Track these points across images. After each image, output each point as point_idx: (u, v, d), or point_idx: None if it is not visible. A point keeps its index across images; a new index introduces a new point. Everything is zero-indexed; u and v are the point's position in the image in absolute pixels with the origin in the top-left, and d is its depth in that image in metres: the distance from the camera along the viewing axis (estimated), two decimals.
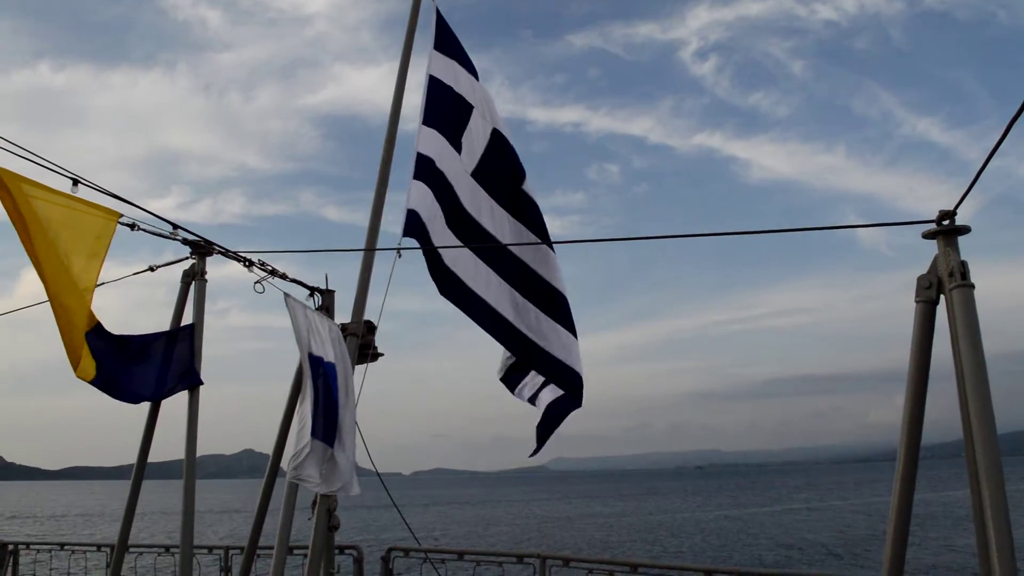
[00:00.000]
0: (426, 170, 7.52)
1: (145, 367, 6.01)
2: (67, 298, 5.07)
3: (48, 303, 5.02)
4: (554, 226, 9.70)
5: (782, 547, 46.90)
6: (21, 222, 4.78)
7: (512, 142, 8.46)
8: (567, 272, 8.54)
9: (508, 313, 7.82)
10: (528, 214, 8.30)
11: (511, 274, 7.95)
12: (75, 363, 5.18)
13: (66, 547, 11.59)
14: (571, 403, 8.04)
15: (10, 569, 11.66)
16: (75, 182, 5.18)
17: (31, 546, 11.98)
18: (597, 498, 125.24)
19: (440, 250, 7.44)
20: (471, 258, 7.70)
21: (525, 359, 8.03)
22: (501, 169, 8.27)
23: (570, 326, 8.13)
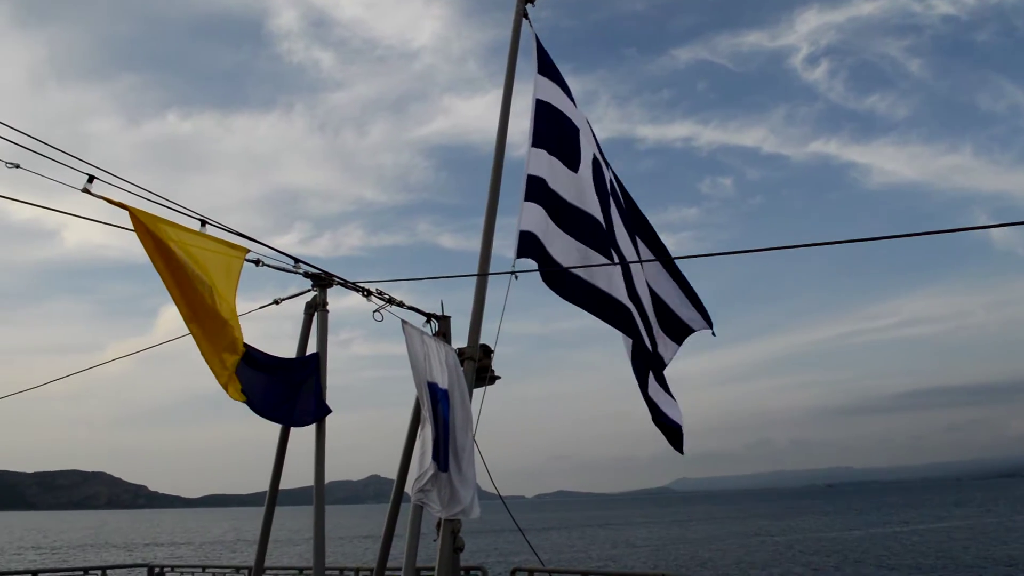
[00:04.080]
0: (538, 191, 7.63)
1: (283, 393, 6.30)
2: (208, 328, 5.41)
3: (185, 337, 5.38)
4: (667, 243, 9.68)
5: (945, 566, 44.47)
6: (160, 260, 5.13)
7: (617, 163, 8.59)
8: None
9: (631, 306, 7.92)
10: (642, 227, 8.42)
11: (631, 284, 8.06)
12: (225, 387, 5.53)
13: (207, 569, 12.18)
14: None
15: None
16: (203, 223, 5.54)
17: (176, 568, 12.63)
18: (723, 519, 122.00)
19: (559, 262, 7.54)
20: (598, 270, 7.78)
21: (646, 352, 8.08)
22: (604, 190, 8.39)
23: (677, 336, 8.24)
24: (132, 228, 5.05)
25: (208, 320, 5.42)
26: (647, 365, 8.15)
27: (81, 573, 12.36)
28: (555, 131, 8.09)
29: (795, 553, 55.83)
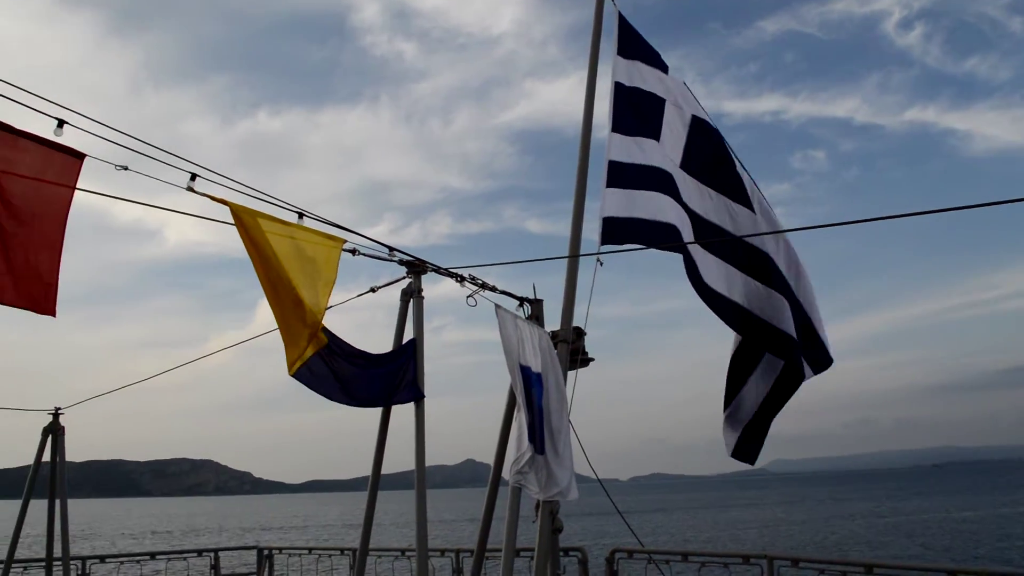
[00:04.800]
0: (620, 176, 7.56)
1: (374, 377, 6.46)
2: (293, 320, 5.61)
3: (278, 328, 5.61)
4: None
5: None
6: (256, 253, 5.32)
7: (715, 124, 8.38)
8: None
9: (737, 296, 7.75)
10: (748, 193, 8.19)
11: (736, 258, 7.88)
12: (292, 368, 5.78)
13: (313, 551, 12.57)
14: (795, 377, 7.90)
15: (267, 570, 12.86)
16: (300, 215, 5.70)
17: (283, 550, 13.08)
18: (826, 500, 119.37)
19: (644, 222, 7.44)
20: (698, 252, 7.64)
21: (758, 341, 7.90)
22: (707, 154, 8.19)
23: (794, 300, 8.00)
24: (233, 223, 5.24)
25: (291, 310, 5.59)
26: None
27: (195, 555, 12.97)
28: (635, 112, 7.98)
29: (902, 535, 54.27)
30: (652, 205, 7.54)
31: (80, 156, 4.50)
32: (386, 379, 6.54)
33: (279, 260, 5.43)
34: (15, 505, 9.65)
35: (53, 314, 4.43)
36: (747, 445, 8.11)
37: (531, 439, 6.19)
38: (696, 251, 7.54)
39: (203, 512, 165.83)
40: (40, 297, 4.40)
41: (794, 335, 7.80)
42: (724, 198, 8.09)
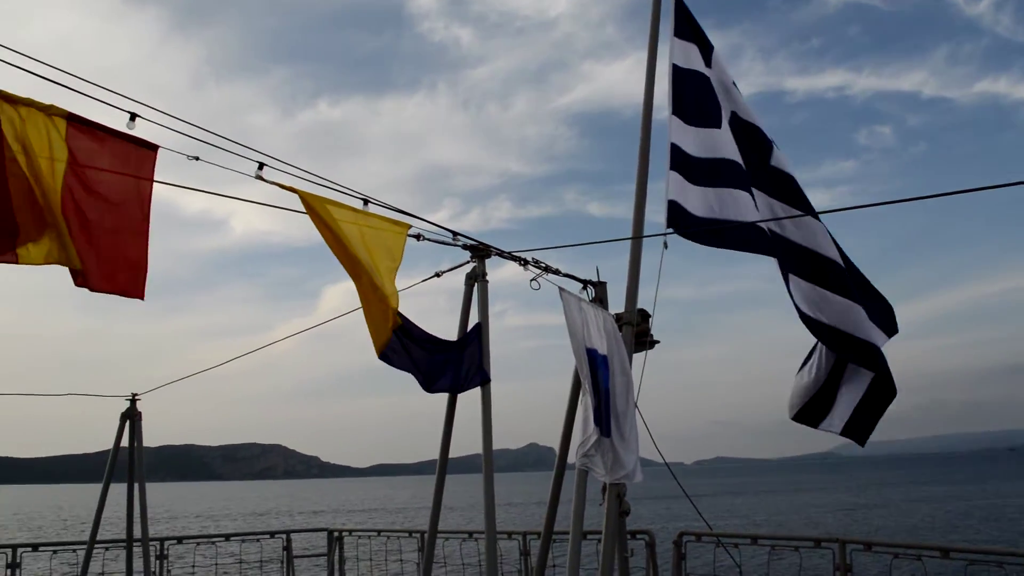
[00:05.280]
0: (683, 161, 7.47)
1: (443, 363, 6.54)
2: (372, 301, 5.79)
3: (351, 313, 5.74)
4: (823, 199, 9.24)
5: None
6: (331, 238, 5.45)
7: (765, 119, 8.20)
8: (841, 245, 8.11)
9: (820, 313, 7.59)
10: (783, 189, 8.00)
11: (780, 253, 7.69)
12: (378, 349, 6.01)
13: (382, 533, 12.75)
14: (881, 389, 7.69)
15: (337, 552, 13.10)
16: (365, 202, 5.79)
17: (353, 532, 13.31)
18: (898, 484, 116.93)
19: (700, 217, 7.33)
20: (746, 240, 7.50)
21: (827, 341, 7.72)
22: (745, 149, 8.06)
23: (851, 294, 7.75)
24: (300, 211, 5.35)
25: (372, 293, 5.76)
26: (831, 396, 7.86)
27: (268, 536, 13.27)
28: (693, 95, 7.86)
29: (981, 519, 52.87)
30: (719, 200, 7.45)
31: (154, 148, 4.66)
32: (456, 366, 6.60)
33: (351, 245, 5.57)
34: (95, 489, 10.00)
35: (142, 297, 4.60)
36: (859, 424, 7.89)
37: (597, 422, 6.18)
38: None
39: (273, 495, 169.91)
40: (129, 282, 4.57)
41: (873, 341, 7.63)
42: (763, 195, 7.94)
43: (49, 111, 4.21)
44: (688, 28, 8.09)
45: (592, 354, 6.33)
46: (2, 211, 4.04)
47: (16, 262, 4.11)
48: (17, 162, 4.03)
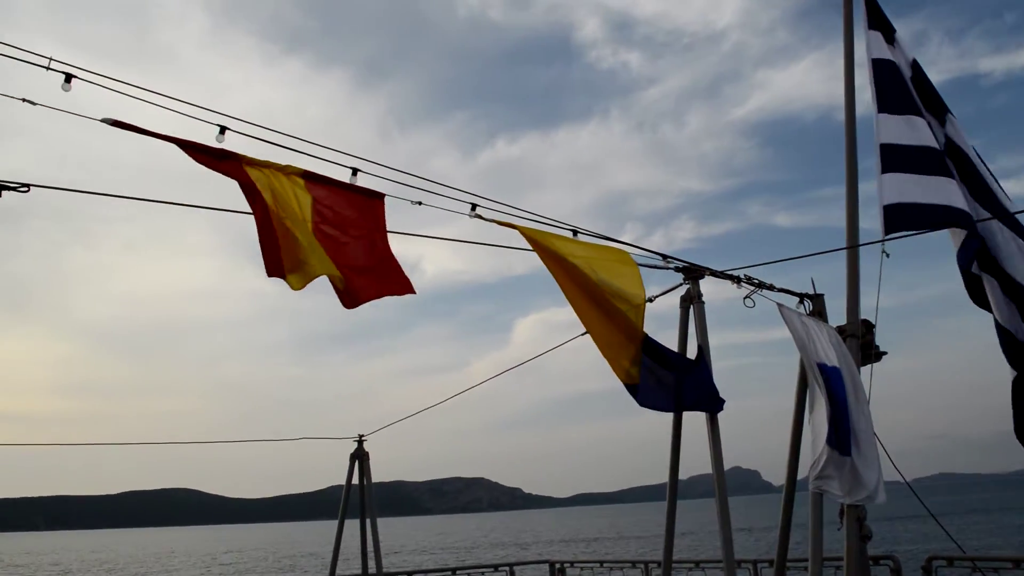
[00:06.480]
0: (894, 159, 7.05)
1: (692, 384, 6.39)
2: (611, 332, 5.85)
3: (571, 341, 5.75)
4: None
5: None
6: (559, 269, 5.62)
7: (960, 106, 7.66)
8: None
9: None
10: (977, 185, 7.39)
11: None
12: (622, 376, 5.99)
13: (604, 564, 12.69)
14: None
15: None
16: (575, 232, 5.90)
17: (575, 563, 13.34)
18: None
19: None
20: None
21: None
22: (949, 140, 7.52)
23: None
24: (514, 247, 5.53)
25: (606, 318, 5.79)
26: None
27: (491, 569, 13.52)
28: (898, 88, 7.41)
29: None
30: (932, 188, 6.98)
31: (380, 196, 5.07)
32: (700, 385, 6.42)
33: (577, 272, 5.64)
34: (316, 526, 10.57)
35: (414, 291, 5.13)
36: None
37: (831, 439, 5.88)
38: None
39: (482, 528, 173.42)
40: (397, 283, 5.09)
41: None
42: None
43: (286, 170, 4.73)
44: (878, 18, 7.70)
45: (823, 368, 6.07)
46: (271, 249, 4.60)
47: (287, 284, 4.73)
48: (275, 213, 4.57)
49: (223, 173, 4.40)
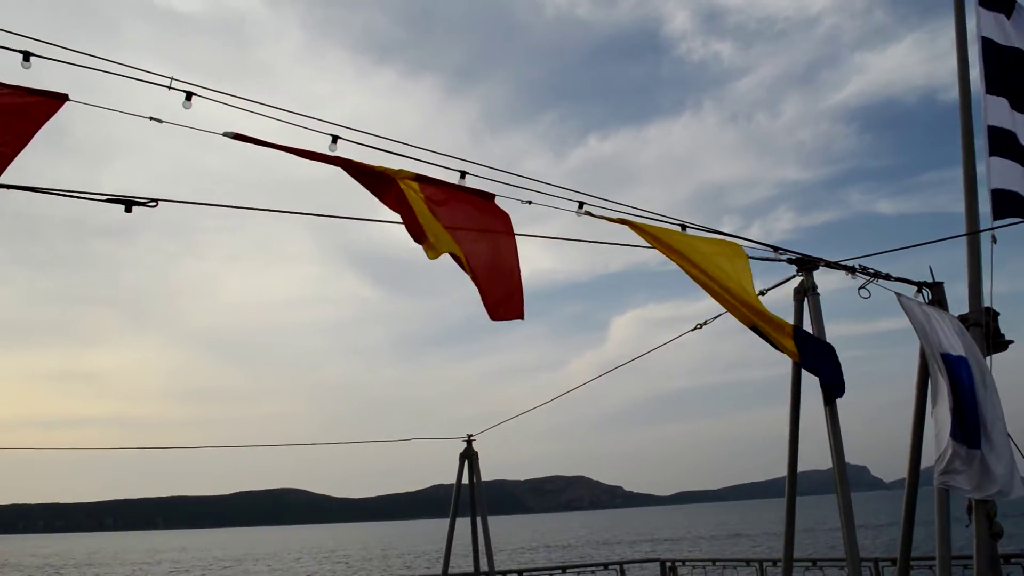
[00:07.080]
0: (1004, 143, 6.77)
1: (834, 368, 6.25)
2: (745, 310, 5.81)
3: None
4: None
5: None
6: (678, 258, 5.63)
7: None
8: None
9: None
10: None
11: None
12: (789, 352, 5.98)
13: (717, 562, 12.55)
14: None
15: None
16: (683, 227, 5.86)
17: (687, 562, 13.21)
18: None
19: None
20: None
21: None
22: None
23: None
24: (619, 243, 5.55)
25: (747, 306, 5.75)
26: None
27: (601, 568, 13.52)
28: (1010, 73, 7.06)
29: None
30: None
31: (491, 196, 5.20)
32: (835, 370, 6.25)
33: (711, 266, 5.66)
34: (421, 524, 10.80)
35: (522, 317, 5.24)
36: None
37: (957, 433, 5.68)
38: None
39: (585, 525, 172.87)
40: (515, 307, 5.23)
41: None
42: None
43: (400, 175, 4.89)
44: None
45: (947, 358, 5.86)
46: (411, 223, 4.96)
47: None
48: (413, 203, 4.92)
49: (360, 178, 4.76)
